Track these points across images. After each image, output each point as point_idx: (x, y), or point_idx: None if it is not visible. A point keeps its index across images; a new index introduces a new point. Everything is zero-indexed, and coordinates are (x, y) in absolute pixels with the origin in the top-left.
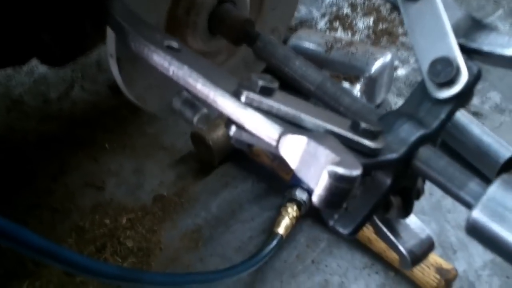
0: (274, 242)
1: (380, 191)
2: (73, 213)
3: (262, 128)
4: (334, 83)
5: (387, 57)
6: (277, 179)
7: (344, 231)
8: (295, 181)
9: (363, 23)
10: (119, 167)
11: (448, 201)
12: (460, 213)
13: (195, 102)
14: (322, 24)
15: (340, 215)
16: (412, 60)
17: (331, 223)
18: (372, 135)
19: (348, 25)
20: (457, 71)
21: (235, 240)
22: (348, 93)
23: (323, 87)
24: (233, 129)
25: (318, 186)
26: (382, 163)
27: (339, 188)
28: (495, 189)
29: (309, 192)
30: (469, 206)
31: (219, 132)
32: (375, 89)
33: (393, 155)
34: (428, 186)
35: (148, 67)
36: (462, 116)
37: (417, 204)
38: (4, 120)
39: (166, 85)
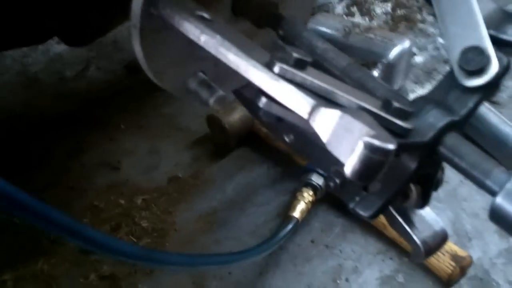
0: (290, 226)
1: (405, 175)
2: (88, 192)
3: (295, 101)
4: (360, 68)
5: (406, 43)
6: (292, 164)
7: (365, 213)
8: (311, 166)
9: (381, 8)
10: (134, 147)
11: (464, 190)
12: (476, 202)
13: (211, 83)
14: (339, 9)
15: (361, 197)
16: (430, 47)
17: (351, 205)
18: (403, 115)
19: (366, 11)
20: (488, 61)
21: (250, 223)
22: (373, 78)
23: (348, 71)
24: (263, 100)
25: (351, 157)
26: (411, 145)
27: (373, 160)
28: None
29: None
30: (493, 193)
31: (235, 115)
32: (392, 75)
33: (421, 139)
34: (445, 174)
35: (170, 42)
36: (485, 109)
37: (433, 192)
38: (20, 98)
39: (185, 64)
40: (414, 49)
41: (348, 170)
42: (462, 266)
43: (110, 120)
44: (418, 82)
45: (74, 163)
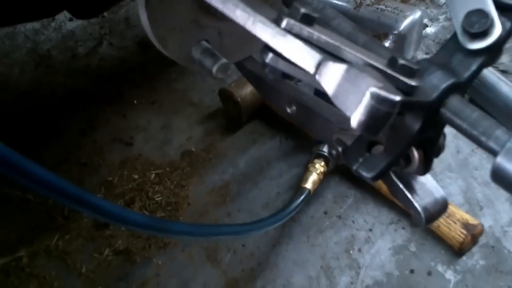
0: (302, 197)
1: (408, 136)
2: (101, 168)
3: (301, 55)
4: (365, 33)
5: (417, 14)
6: (305, 137)
7: (367, 175)
8: None
9: None
10: (147, 123)
11: (475, 159)
12: (487, 171)
13: (215, 51)
14: None
15: (364, 159)
16: (441, 18)
17: (354, 167)
18: (409, 72)
19: None
20: (491, 23)
21: (262, 196)
22: (379, 42)
23: (353, 36)
24: (269, 56)
25: (358, 108)
26: (416, 103)
27: (380, 111)
28: None
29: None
30: (494, 153)
31: (247, 89)
32: (404, 46)
33: (425, 99)
34: (456, 143)
35: (175, 7)
36: (490, 73)
37: (444, 161)
38: (32, 75)
39: (189, 31)
40: (426, 20)
41: (354, 121)
42: (474, 234)
43: (122, 96)
44: (430, 53)
45: (87, 139)
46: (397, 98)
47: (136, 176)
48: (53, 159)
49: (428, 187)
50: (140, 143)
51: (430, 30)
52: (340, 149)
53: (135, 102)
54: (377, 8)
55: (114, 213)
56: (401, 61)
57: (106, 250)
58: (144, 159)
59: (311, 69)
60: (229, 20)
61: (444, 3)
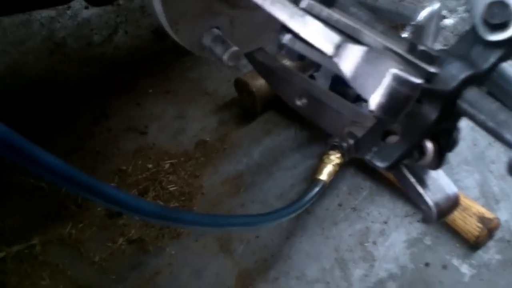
0: (317, 189)
1: (424, 125)
2: (115, 156)
3: (320, 36)
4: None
5: (435, 5)
6: (319, 128)
7: (381, 164)
8: None
9: None
10: (161, 112)
11: (492, 152)
12: (504, 164)
13: (226, 39)
14: None
15: (379, 148)
16: (460, 9)
17: (368, 156)
18: (429, 59)
19: None
20: None
21: (276, 187)
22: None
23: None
24: (287, 37)
25: (378, 90)
26: (434, 91)
27: (400, 93)
28: None
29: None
30: (511, 145)
31: (263, 80)
32: (422, 37)
33: (443, 87)
34: (472, 136)
35: None
36: (509, 66)
37: (461, 155)
38: (47, 63)
39: (201, 17)
40: (444, 12)
41: (373, 103)
42: (490, 228)
43: (137, 85)
44: (448, 45)
45: (101, 127)
46: (418, 80)
47: (150, 166)
48: (67, 147)
49: (440, 183)
50: (154, 132)
51: (448, 21)
52: (351, 142)
53: (150, 91)
54: None
55: (126, 202)
56: (421, 47)
57: (119, 239)
58: (158, 148)
59: (329, 51)
60: (242, 7)
61: None
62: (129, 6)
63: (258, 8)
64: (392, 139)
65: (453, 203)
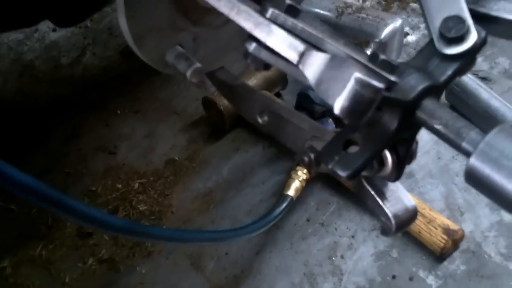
0: (284, 204)
1: (385, 134)
2: (85, 177)
3: (284, 45)
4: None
5: (397, 22)
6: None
7: (342, 173)
8: None
9: None
10: (131, 132)
11: (456, 165)
12: None
13: (189, 56)
14: None
15: (340, 157)
16: (422, 26)
17: (330, 165)
18: (390, 68)
19: None
20: (468, 30)
21: (245, 203)
22: (354, 44)
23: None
24: (252, 45)
25: (342, 94)
26: (394, 100)
27: (364, 97)
28: (492, 137)
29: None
30: (468, 154)
31: None
32: (385, 54)
33: (404, 97)
34: (436, 150)
35: (153, 7)
36: (470, 80)
37: (425, 168)
38: (16, 85)
39: (165, 33)
40: (407, 29)
41: (337, 106)
42: (455, 239)
43: (106, 105)
44: None
45: (71, 148)
46: (380, 85)
47: (119, 186)
48: (37, 168)
49: (399, 195)
50: (124, 152)
51: (411, 38)
52: (312, 156)
53: (118, 111)
54: (359, 17)
55: (96, 217)
56: (382, 57)
57: (90, 259)
58: (128, 168)
59: (294, 58)
60: (205, 25)
61: None
62: (97, 28)
63: (221, 27)
64: (354, 148)
65: (411, 215)
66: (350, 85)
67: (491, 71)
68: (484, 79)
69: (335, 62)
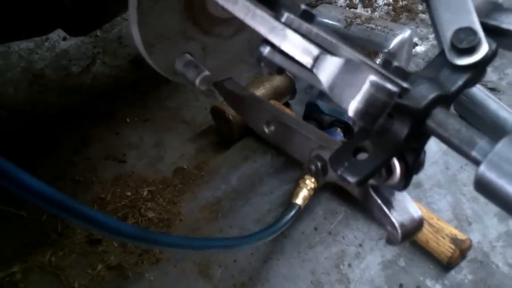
0: (292, 212)
1: (395, 142)
2: (94, 185)
3: (300, 49)
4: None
5: (406, 33)
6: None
7: (352, 179)
8: None
9: (382, 0)
10: (140, 141)
11: (464, 175)
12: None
13: (198, 64)
14: (341, 0)
15: (350, 163)
16: (431, 37)
17: (339, 171)
18: (403, 75)
19: (367, 2)
20: (479, 41)
21: (254, 212)
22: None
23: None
24: (267, 49)
25: (357, 96)
26: (406, 107)
27: (378, 100)
28: (501, 146)
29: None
30: (477, 163)
31: None
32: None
33: (415, 105)
34: (445, 160)
35: (165, 14)
36: (479, 91)
37: (433, 178)
38: (26, 94)
39: (176, 41)
40: (416, 39)
41: (352, 109)
42: (462, 249)
43: (115, 114)
44: None
45: (80, 156)
46: (395, 88)
47: (128, 193)
48: (47, 176)
49: (406, 205)
50: (133, 160)
51: (420, 48)
52: (319, 164)
53: (127, 120)
54: (368, 27)
55: (107, 224)
56: (395, 64)
57: (99, 266)
58: (137, 176)
59: (308, 62)
60: (215, 36)
61: None
62: (107, 37)
63: (230, 38)
64: (363, 156)
65: (417, 225)
66: (365, 88)
67: (500, 82)
68: (492, 90)
69: (349, 66)
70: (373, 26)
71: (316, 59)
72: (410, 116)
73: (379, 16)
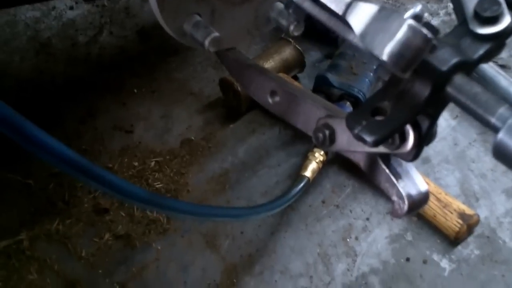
0: (301, 185)
1: (414, 104)
2: (102, 155)
3: None
4: None
5: (417, 8)
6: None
7: (369, 138)
8: None
9: None
10: (147, 112)
11: (472, 151)
12: (483, 163)
13: (207, 25)
14: None
15: (368, 122)
16: (441, 13)
17: (356, 130)
18: (432, 29)
19: None
20: (502, 12)
21: (261, 184)
22: None
23: None
24: None
25: (394, 39)
26: (431, 66)
27: (414, 44)
28: None
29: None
30: (496, 129)
31: None
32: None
33: (439, 65)
34: (453, 136)
35: None
36: (489, 67)
37: (442, 154)
38: (32, 63)
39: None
40: (426, 15)
41: (386, 52)
42: (470, 224)
43: (122, 85)
44: None
45: (87, 127)
46: (430, 35)
47: (136, 164)
48: None
49: (413, 178)
50: (140, 131)
51: None
52: (327, 133)
53: (135, 91)
54: (378, 1)
55: (119, 186)
56: (425, 20)
57: (106, 235)
58: (144, 147)
59: (341, 9)
60: (225, 1)
61: None
62: (114, 7)
63: (239, 5)
64: (380, 118)
65: (424, 197)
66: (402, 31)
67: (510, 59)
68: (503, 66)
69: (383, 13)
70: (385, 0)
71: (349, 6)
72: (432, 77)
73: None
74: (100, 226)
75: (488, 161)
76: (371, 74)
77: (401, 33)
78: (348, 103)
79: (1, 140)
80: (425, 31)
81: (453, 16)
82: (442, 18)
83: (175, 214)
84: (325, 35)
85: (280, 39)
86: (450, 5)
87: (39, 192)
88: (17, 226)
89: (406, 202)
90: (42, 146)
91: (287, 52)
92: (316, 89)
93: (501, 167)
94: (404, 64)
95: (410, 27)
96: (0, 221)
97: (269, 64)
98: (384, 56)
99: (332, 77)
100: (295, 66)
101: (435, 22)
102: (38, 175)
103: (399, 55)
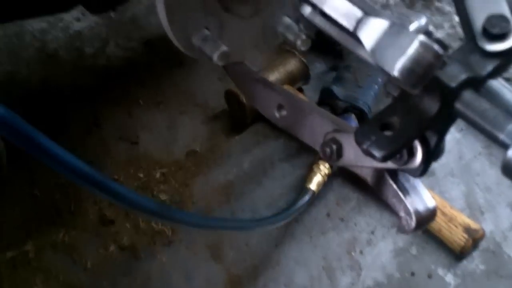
0: (306, 197)
1: (424, 119)
2: (107, 166)
3: (342, 11)
4: None
5: (422, 20)
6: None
7: (378, 154)
8: None
9: None
10: (152, 122)
11: (477, 164)
12: (489, 176)
13: (216, 39)
14: None
15: (377, 137)
16: (446, 26)
17: (365, 145)
18: (443, 45)
19: None
20: (511, 28)
21: (266, 196)
22: None
23: None
24: (308, 10)
25: (405, 54)
26: (441, 82)
27: (425, 60)
28: None
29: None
30: (506, 146)
31: None
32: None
33: (448, 81)
34: (458, 149)
35: None
36: (494, 80)
37: (447, 167)
38: (39, 73)
39: (197, 13)
40: (431, 27)
41: (398, 67)
42: (475, 238)
43: (128, 96)
44: None
45: (93, 137)
46: (441, 51)
47: (141, 175)
48: None
49: (420, 193)
50: (145, 142)
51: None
52: (334, 147)
53: (141, 102)
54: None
55: (127, 196)
56: (436, 36)
57: (111, 246)
58: (150, 158)
59: (351, 24)
60: (235, 14)
61: (449, 11)
62: (120, 19)
63: (248, 20)
64: (390, 132)
65: (431, 213)
66: (414, 46)
67: None
68: (507, 79)
69: (394, 28)
70: (389, 12)
71: (359, 21)
72: (441, 93)
73: (394, 4)
74: (106, 237)
75: (493, 175)
76: (376, 86)
77: (413, 49)
78: (353, 115)
79: (7, 151)
80: (436, 47)
81: (458, 29)
82: (447, 31)
83: (182, 225)
84: (330, 48)
85: (285, 51)
86: (455, 18)
87: (46, 202)
88: (23, 236)
89: (414, 218)
90: (54, 157)
91: (292, 64)
92: (322, 102)
93: (506, 181)
94: (415, 80)
95: (422, 43)
96: (6, 231)
97: (274, 76)
98: (395, 72)
99: (337, 90)
100: (300, 78)
101: (439, 35)
102: (43, 185)
103: (410, 71)
